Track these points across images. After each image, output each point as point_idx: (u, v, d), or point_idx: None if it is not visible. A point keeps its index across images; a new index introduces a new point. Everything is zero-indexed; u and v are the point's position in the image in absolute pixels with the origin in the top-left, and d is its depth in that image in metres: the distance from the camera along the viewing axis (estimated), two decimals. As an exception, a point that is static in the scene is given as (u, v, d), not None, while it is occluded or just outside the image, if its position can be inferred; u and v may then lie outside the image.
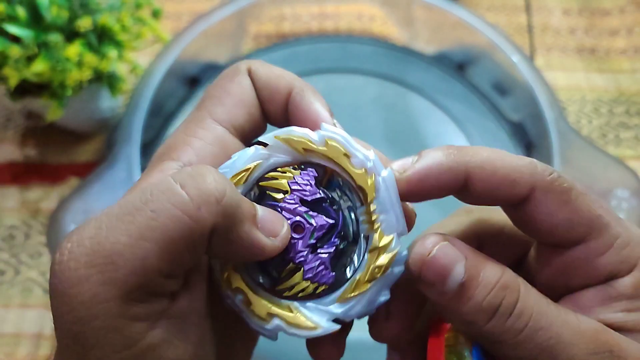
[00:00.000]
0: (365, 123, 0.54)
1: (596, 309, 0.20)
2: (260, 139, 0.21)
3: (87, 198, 0.45)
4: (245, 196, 0.20)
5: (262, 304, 0.20)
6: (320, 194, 0.20)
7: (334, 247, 0.20)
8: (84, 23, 0.47)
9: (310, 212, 0.20)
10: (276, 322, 0.20)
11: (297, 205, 0.20)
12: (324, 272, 0.20)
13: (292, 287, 0.20)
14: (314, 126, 0.21)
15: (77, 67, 0.47)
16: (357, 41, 0.62)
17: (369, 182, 0.20)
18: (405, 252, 0.20)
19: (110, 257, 0.16)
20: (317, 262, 0.20)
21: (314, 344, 0.21)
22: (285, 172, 0.20)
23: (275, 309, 0.20)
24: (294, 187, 0.20)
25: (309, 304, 0.20)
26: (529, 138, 0.54)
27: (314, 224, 0.20)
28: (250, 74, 0.22)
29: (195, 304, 0.19)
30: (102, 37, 0.49)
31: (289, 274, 0.20)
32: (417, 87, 0.57)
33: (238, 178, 0.20)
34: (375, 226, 0.20)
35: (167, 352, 0.17)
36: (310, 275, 0.20)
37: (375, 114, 0.56)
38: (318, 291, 0.20)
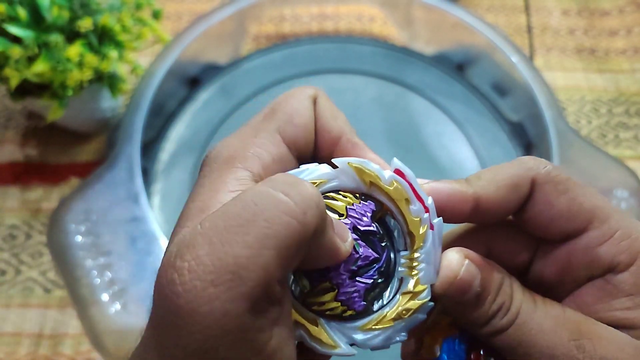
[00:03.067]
0: (365, 123, 0.54)
1: (597, 307, 0.21)
2: (333, 160, 0.21)
3: (88, 198, 0.45)
4: None
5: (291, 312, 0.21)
6: (373, 227, 0.21)
7: (372, 280, 0.21)
8: (85, 23, 0.47)
9: (359, 241, 0.21)
10: (300, 332, 0.21)
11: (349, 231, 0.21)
12: (356, 300, 0.21)
13: (323, 303, 0.21)
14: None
15: (78, 68, 0.47)
16: (357, 42, 0.62)
17: (421, 231, 0.21)
18: (432, 304, 0.21)
19: (236, 272, 0.16)
20: (353, 289, 0.21)
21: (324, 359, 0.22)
22: (346, 197, 0.21)
23: (302, 320, 0.21)
24: (351, 213, 0.21)
25: (333, 323, 0.21)
26: (528, 138, 0.54)
27: (360, 253, 0.21)
28: (314, 103, 0.23)
29: (289, 306, 0.20)
30: (103, 38, 0.49)
31: (322, 291, 0.21)
32: (416, 88, 0.57)
33: None
34: (414, 272, 0.21)
35: (282, 357, 0.18)
36: (343, 298, 0.21)
37: (375, 114, 0.56)
38: (345, 314, 0.21)
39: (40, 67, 0.45)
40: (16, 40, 0.45)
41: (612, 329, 0.20)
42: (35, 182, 0.55)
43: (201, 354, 0.17)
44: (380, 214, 0.22)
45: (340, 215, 0.21)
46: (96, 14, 0.48)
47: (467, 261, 0.21)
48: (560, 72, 0.64)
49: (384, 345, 0.21)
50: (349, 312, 0.21)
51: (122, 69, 0.51)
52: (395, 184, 0.21)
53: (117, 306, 0.41)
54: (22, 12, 0.46)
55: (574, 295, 0.22)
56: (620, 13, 0.69)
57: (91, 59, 0.47)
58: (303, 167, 0.21)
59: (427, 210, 0.21)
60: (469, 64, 0.60)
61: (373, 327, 0.21)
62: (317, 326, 0.21)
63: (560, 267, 0.22)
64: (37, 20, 0.46)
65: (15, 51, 0.45)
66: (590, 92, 0.62)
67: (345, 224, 0.21)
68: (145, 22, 0.51)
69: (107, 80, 0.51)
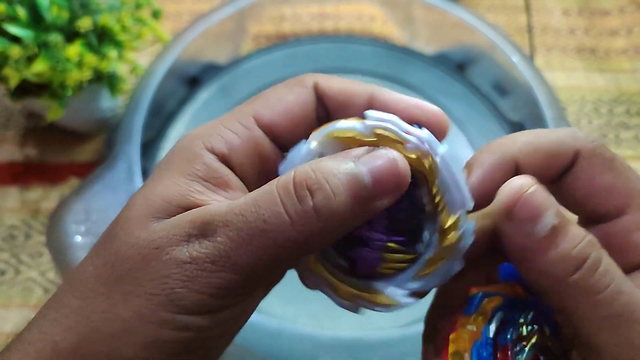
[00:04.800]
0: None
1: None
2: (311, 137, 0.21)
3: (87, 198, 0.45)
4: None
5: (345, 289, 0.21)
6: None
7: (404, 236, 0.20)
8: (84, 23, 0.47)
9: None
10: (360, 302, 0.21)
11: None
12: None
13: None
14: (405, 113, 0.21)
15: (77, 67, 0.47)
16: (357, 41, 0.62)
17: (427, 164, 0.20)
18: (472, 224, 0.20)
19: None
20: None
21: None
22: None
23: (358, 292, 0.21)
24: None
25: (385, 283, 0.21)
26: (529, 138, 0.54)
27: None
28: (317, 88, 0.22)
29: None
30: (102, 38, 0.49)
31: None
32: (417, 87, 0.57)
33: None
34: (440, 207, 0.20)
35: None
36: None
37: (375, 114, 0.56)
38: (394, 272, 0.21)
39: (40, 67, 0.45)
40: (15, 40, 0.45)
41: None
42: (34, 182, 0.54)
43: None
44: None
45: None
46: (96, 14, 0.48)
47: (537, 186, 0.18)
48: (561, 72, 0.63)
49: (445, 280, 0.21)
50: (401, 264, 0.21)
51: (121, 69, 0.51)
52: (377, 131, 0.20)
53: (117, 306, 0.41)
54: (21, 12, 0.45)
55: None
56: (621, 13, 0.69)
57: (91, 58, 0.47)
58: (288, 154, 0.21)
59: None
60: (469, 64, 0.60)
61: (424, 273, 0.20)
62: (373, 293, 0.21)
63: None
64: (36, 20, 0.46)
65: (15, 51, 0.45)
66: (591, 92, 0.62)
67: None
68: (145, 21, 0.51)
69: (106, 80, 0.50)
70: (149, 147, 0.52)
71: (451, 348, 0.20)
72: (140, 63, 0.53)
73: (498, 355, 0.20)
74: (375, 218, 0.20)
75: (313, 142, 0.20)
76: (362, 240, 0.20)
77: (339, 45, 0.62)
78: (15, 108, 0.58)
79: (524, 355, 0.20)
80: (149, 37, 0.52)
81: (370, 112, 0.20)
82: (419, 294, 0.21)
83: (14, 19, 0.45)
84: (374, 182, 0.18)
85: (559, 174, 0.20)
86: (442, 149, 0.20)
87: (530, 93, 0.52)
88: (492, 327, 0.20)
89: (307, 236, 0.18)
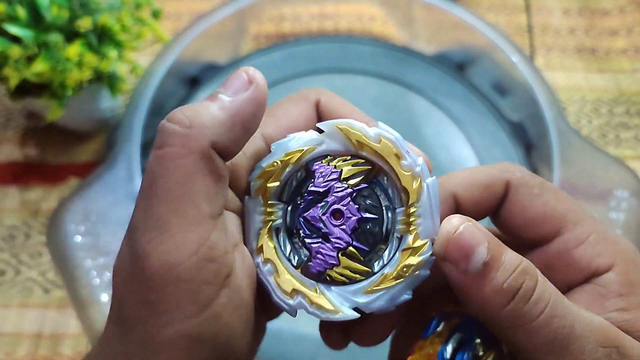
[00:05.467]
0: (365, 123, 0.54)
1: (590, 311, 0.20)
2: (319, 125, 0.21)
3: (87, 198, 0.45)
4: (291, 176, 0.21)
5: (289, 279, 0.21)
6: (365, 186, 0.21)
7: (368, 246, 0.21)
8: (84, 23, 0.47)
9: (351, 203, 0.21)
10: (299, 299, 0.20)
11: (345, 194, 0.21)
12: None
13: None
14: None
15: (77, 67, 0.47)
16: (357, 41, 0.62)
17: (415, 185, 0.21)
18: (433, 257, 0.20)
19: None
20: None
21: (327, 327, 0.22)
22: (334, 162, 0.21)
23: (301, 287, 0.20)
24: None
25: (334, 288, 0.21)
26: (528, 138, 0.54)
27: (355, 215, 0.21)
28: (318, 106, 0.23)
29: (245, 278, 0.20)
30: (102, 37, 0.49)
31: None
32: (417, 87, 0.57)
33: (289, 157, 0.21)
34: (412, 228, 0.20)
35: (229, 319, 0.19)
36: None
37: (375, 114, 0.55)
38: (344, 279, 0.21)
39: (40, 66, 0.45)
40: (15, 39, 0.45)
41: (629, 337, 0.19)
42: (34, 182, 0.54)
43: None
44: (373, 174, 0.21)
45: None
46: (96, 14, 0.48)
47: (470, 223, 0.19)
48: (561, 72, 0.63)
49: (389, 307, 0.21)
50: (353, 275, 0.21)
51: (121, 69, 0.51)
52: (382, 140, 0.21)
53: (117, 306, 0.41)
54: (21, 12, 0.45)
55: None
56: (621, 13, 0.69)
57: (91, 58, 0.47)
58: (290, 135, 0.21)
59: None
60: (469, 64, 0.60)
61: (374, 288, 0.20)
62: (316, 292, 0.20)
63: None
64: (36, 20, 0.46)
65: (15, 51, 0.45)
66: (591, 92, 0.62)
67: (338, 188, 0.21)
68: (145, 21, 0.51)
69: (106, 80, 0.50)
70: (149, 147, 0.52)
71: None
72: (140, 63, 0.53)
73: None
74: (347, 219, 0.20)
75: (321, 127, 0.21)
76: (326, 236, 0.20)
77: (339, 45, 0.62)
78: (15, 108, 0.58)
79: None
80: (149, 37, 0.52)
81: (381, 124, 0.21)
82: (361, 311, 0.21)
83: (14, 18, 0.45)
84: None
85: (496, 206, 0.22)
86: (430, 179, 0.21)
87: (530, 93, 0.52)
88: (449, 348, 0.20)
89: None
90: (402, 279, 0.20)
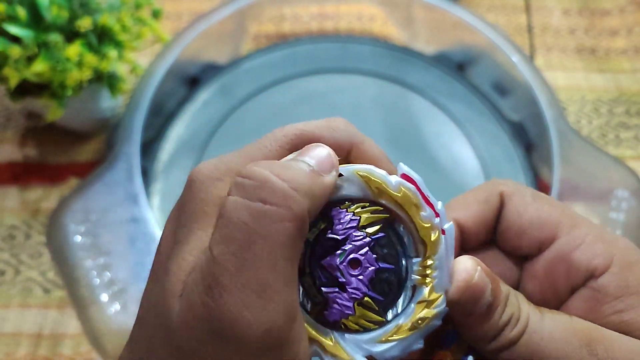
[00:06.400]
0: (365, 123, 0.54)
1: (590, 317, 0.21)
2: (340, 169, 0.21)
3: (87, 198, 0.45)
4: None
5: (307, 328, 0.21)
6: (382, 234, 0.21)
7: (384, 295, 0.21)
8: (84, 23, 0.47)
9: (369, 253, 0.21)
10: (315, 347, 0.21)
11: (364, 243, 0.21)
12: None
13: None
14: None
15: (77, 67, 0.47)
16: (357, 41, 0.62)
17: (433, 237, 0.21)
18: (447, 309, 0.21)
19: (263, 286, 0.17)
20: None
21: None
22: (352, 208, 0.21)
23: (316, 335, 0.21)
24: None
25: (348, 336, 0.21)
26: (529, 138, 0.54)
27: (372, 265, 0.21)
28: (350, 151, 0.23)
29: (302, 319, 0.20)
30: (102, 37, 0.49)
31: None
32: (417, 87, 0.57)
33: None
34: (428, 280, 0.21)
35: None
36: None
37: (375, 114, 0.56)
38: (359, 328, 0.21)
39: (40, 66, 0.45)
40: (15, 39, 0.45)
41: (619, 334, 0.20)
42: (34, 182, 0.54)
43: None
44: (390, 222, 0.21)
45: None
46: (96, 14, 0.48)
47: (479, 267, 0.20)
48: (561, 72, 0.63)
49: (401, 356, 0.21)
50: (366, 325, 0.21)
51: (121, 69, 0.51)
52: (403, 189, 0.21)
53: (117, 306, 0.41)
54: (21, 12, 0.45)
55: (564, 309, 0.22)
56: (621, 13, 0.69)
57: (91, 58, 0.47)
58: None
59: (437, 215, 0.21)
60: (469, 64, 0.60)
61: (389, 338, 0.21)
62: (331, 342, 0.21)
63: (542, 281, 0.22)
64: (36, 20, 0.46)
65: (15, 51, 0.45)
66: (591, 92, 0.62)
67: (356, 237, 0.21)
68: (145, 21, 0.51)
69: (106, 80, 0.50)
70: (149, 147, 0.52)
71: None
72: (140, 63, 0.53)
73: None
74: (365, 269, 0.20)
75: (342, 172, 0.21)
76: (342, 285, 0.21)
77: (339, 45, 0.62)
78: (15, 108, 0.58)
79: None
80: (149, 37, 0.52)
81: (403, 167, 0.21)
82: (374, 359, 0.21)
83: (13, 18, 0.45)
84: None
85: (495, 219, 0.23)
86: (447, 225, 0.21)
87: (530, 93, 0.52)
88: (470, 359, 0.22)
89: None
90: (416, 330, 0.21)
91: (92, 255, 0.43)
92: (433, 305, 0.21)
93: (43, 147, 0.57)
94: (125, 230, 0.44)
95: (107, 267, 0.42)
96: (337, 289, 0.20)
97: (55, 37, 0.46)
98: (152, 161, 0.52)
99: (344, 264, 0.20)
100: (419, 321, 0.21)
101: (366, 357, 0.21)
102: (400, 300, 0.21)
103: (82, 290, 0.41)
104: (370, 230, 0.21)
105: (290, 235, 0.17)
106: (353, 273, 0.20)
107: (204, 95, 0.56)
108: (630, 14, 0.68)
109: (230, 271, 0.17)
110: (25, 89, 0.49)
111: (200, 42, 0.56)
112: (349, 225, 0.21)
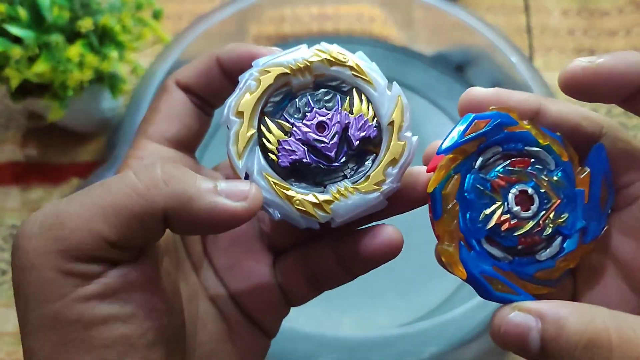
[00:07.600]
0: (365, 123, 0.54)
1: None
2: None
3: (88, 198, 0.45)
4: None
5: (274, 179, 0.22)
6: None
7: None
8: (85, 24, 0.47)
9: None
10: (276, 210, 0.21)
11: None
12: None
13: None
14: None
15: (78, 68, 0.47)
16: (357, 42, 0.62)
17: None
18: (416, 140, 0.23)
19: (59, 218, 0.18)
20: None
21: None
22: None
23: (280, 189, 0.21)
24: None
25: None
26: (528, 138, 0.54)
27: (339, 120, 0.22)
28: (180, 84, 0.25)
29: (146, 286, 0.20)
30: (103, 38, 0.49)
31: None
32: (416, 88, 0.58)
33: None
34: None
35: (115, 329, 0.19)
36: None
37: (375, 114, 0.56)
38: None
39: (41, 67, 0.45)
40: (17, 40, 0.46)
41: None
42: (35, 182, 0.55)
43: (16, 287, 0.19)
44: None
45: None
46: (97, 14, 0.48)
47: (513, 313, 0.19)
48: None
49: (359, 213, 0.22)
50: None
51: (122, 69, 0.51)
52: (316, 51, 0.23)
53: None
54: (22, 12, 0.46)
55: None
56: (619, 13, 0.69)
57: (92, 59, 0.47)
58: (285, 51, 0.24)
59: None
60: (468, 65, 0.60)
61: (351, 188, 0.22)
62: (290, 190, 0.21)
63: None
64: (37, 21, 0.47)
65: (16, 51, 0.45)
66: (590, 92, 0.62)
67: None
68: (146, 22, 0.51)
69: (107, 81, 0.51)
70: (149, 147, 0.52)
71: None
72: (141, 63, 0.53)
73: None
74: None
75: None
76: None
77: (339, 45, 0.62)
78: (16, 108, 0.59)
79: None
80: (150, 37, 0.52)
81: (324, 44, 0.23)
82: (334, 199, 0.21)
83: (15, 19, 0.46)
84: None
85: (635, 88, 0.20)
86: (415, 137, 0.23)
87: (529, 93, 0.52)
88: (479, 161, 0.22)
89: None
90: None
91: (93, 255, 0.43)
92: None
93: (44, 147, 0.57)
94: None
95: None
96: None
97: (56, 38, 0.46)
98: (153, 161, 0.52)
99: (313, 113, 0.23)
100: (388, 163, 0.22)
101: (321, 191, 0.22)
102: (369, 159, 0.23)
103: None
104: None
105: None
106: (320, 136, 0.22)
107: (204, 96, 0.56)
108: (629, 15, 0.68)
109: None
110: (26, 90, 0.49)
111: (200, 43, 0.56)
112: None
